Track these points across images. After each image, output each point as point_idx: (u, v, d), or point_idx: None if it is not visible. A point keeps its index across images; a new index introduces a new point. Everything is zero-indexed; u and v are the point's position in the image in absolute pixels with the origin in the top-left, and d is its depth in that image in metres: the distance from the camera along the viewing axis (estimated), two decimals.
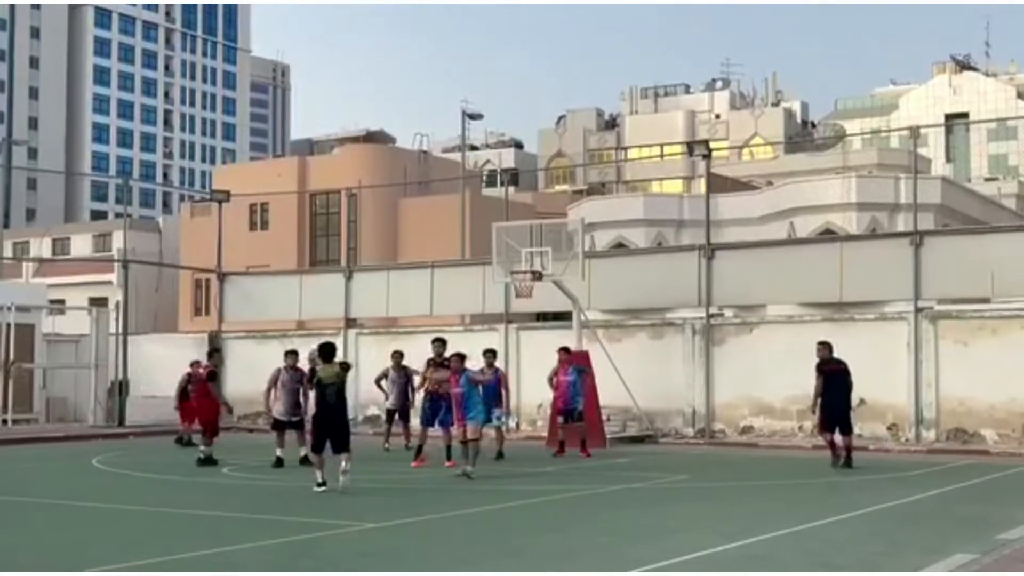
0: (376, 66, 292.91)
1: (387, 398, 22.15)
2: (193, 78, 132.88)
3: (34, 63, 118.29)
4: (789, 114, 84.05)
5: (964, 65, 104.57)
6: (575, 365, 21.38)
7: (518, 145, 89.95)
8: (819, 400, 18.19)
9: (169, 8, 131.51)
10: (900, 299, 23.31)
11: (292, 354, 19.21)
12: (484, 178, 67.17)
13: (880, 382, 22.72)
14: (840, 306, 24.49)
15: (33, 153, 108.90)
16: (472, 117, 57.69)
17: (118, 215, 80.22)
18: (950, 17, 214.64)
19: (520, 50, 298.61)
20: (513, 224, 25.23)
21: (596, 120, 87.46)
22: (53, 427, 29.17)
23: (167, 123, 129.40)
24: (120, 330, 30.77)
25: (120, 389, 30.04)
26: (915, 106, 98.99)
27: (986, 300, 23.38)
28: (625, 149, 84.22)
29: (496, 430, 20.31)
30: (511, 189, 40.63)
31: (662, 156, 78.05)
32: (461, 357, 16.93)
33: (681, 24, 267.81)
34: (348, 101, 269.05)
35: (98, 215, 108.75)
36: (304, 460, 18.32)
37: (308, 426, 16.47)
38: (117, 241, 55.85)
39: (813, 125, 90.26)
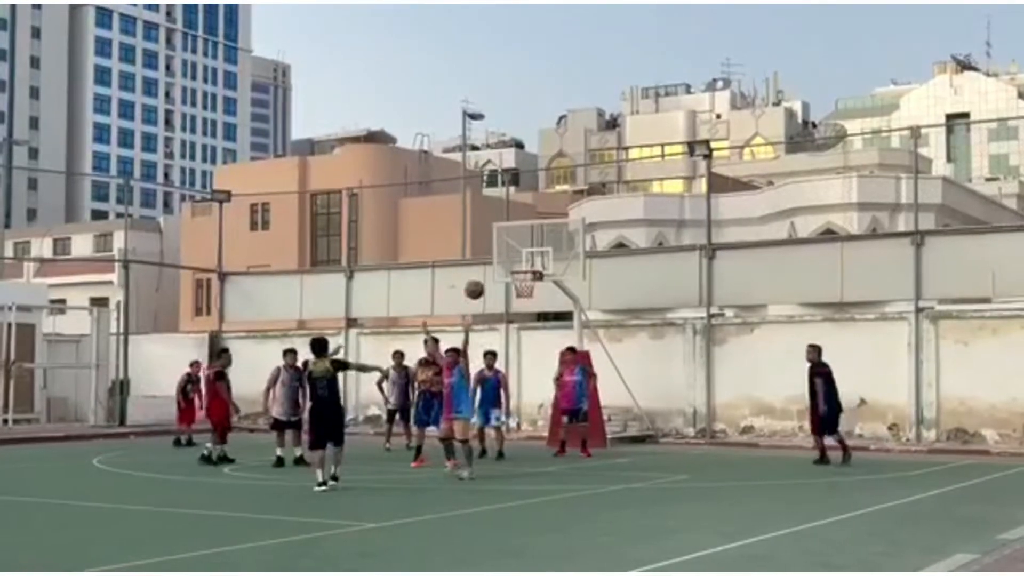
0: (377, 66, 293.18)
1: (387, 401, 22.15)
2: (194, 78, 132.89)
3: (35, 63, 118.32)
4: (790, 114, 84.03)
5: (965, 65, 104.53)
6: (581, 365, 21.40)
7: (519, 145, 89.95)
8: (815, 402, 18.47)
9: (170, 8, 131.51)
10: (901, 299, 23.31)
11: (291, 353, 19.01)
12: (485, 178, 67.15)
13: (881, 382, 22.76)
14: (841, 306, 24.50)
15: (34, 153, 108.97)
16: (473, 117, 57.69)
17: (119, 215, 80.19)
18: (951, 17, 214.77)
19: (521, 50, 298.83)
20: (514, 224, 25.23)
21: (597, 120, 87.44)
22: (54, 427, 29.19)
23: (168, 123, 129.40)
24: (121, 330, 30.79)
25: (121, 389, 30.07)
26: (916, 106, 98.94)
27: (987, 300, 23.38)
28: (626, 149, 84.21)
29: (496, 430, 20.33)
30: (512, 189, 40.70)
31: (663, 156, 78.03)
32: (456, 351, 16.90)
33: (682, 24, 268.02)
34: (349, 101, 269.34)
35: (99, 215, 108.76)
36: (299, 460, 18.35)
37: (306, 426, 16.46)
38: (118, 241, 55.85)
39: (814, 125, 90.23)
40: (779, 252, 26.95)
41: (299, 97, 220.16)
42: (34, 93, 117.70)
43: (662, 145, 79.61)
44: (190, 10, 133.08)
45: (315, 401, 15.16)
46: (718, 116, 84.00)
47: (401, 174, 50.40)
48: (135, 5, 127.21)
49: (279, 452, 18.61)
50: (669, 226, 44.91)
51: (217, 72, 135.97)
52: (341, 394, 15.79)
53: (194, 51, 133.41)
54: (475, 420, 19.90)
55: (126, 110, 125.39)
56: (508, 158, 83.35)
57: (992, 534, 10.70)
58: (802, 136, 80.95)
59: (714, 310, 25.16)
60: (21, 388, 29.58)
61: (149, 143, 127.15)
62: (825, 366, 18.58)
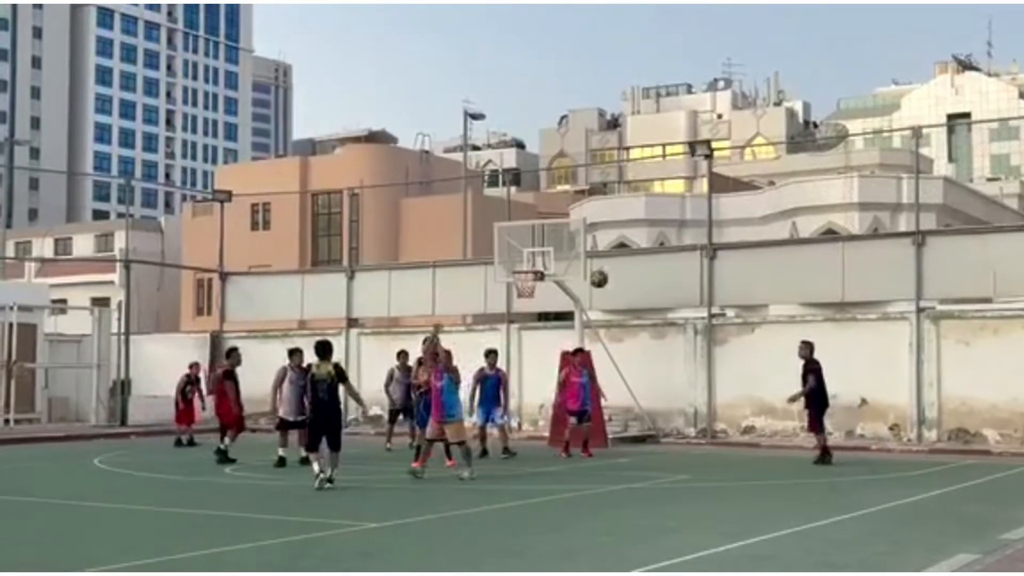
0: (378, 66, 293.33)
1: (392, 402, 22.03)
2: (195, 78, 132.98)
3: (36, 63, 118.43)
4: (791, 114, 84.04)
5: (966, 65, 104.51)
6: (586, 368, 21.36)
7: (520, 145, 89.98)
8: (809, 398, 18.49)
9: (171, 8, 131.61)
10: (902, 299, 23.29)
11: (297, 352, 18.50)
12: (486, 178, 67.17)
13: (882, 382, 22.75)
14: (842, 306, 24.48)
15: (35, 153, 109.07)
16: (474, 117, 57.65)
17: (120, 215, 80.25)
18: (952, 17, 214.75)
19: (522, 50, 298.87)
20: (515, 224, 25.23)
21: (598, 120, 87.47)
22: (55, 427, 29.19)
23: (169, 123, 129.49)
24: (122, 330, 30.79)
25: (122, 389, 30.07)
26: (917, 106, 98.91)
27: (988, 300, 23.37)
28: (627, 149, 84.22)
29: (499, 429, 20.33)
30: (513, 189, 40.71)
31: (664, 156, 78.07)
32: (448, 353, 16.83)
33: (683, 24, 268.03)
34: (350, 101, 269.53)
35: (100, 215, 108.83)
36: (304, 460, 18.29)
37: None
38: (119, 241, 55.88)
39: (815, 125, 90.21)
40: (780, 252, 26.93)
41: (300, 97, 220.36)
42: (35, 93, 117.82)
43: (663, 145, 79.65)
44: (191, 10, 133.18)
45: (316, 405, 15.17)
46: (719, 116, 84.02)
47: (402, 174, 50.40)
48: (136, 5, 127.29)
49: (281, 452, 18.54)
50: (670, 226, 44.91)
51: (218, 72, 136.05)
52: (341, 398, 15.71)
53: (195, 51, 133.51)
54: (475, 419, 19.95)
55: (127, 110, 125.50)
56: (509, 158, 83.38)
57: (994, 534, 10.69)
58: (803, 136, 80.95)
59: (715, 310, 25.14)
60: (22, 388, 29.58)
61: (150, 143, 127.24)
62: (816, 363, 18.62)
